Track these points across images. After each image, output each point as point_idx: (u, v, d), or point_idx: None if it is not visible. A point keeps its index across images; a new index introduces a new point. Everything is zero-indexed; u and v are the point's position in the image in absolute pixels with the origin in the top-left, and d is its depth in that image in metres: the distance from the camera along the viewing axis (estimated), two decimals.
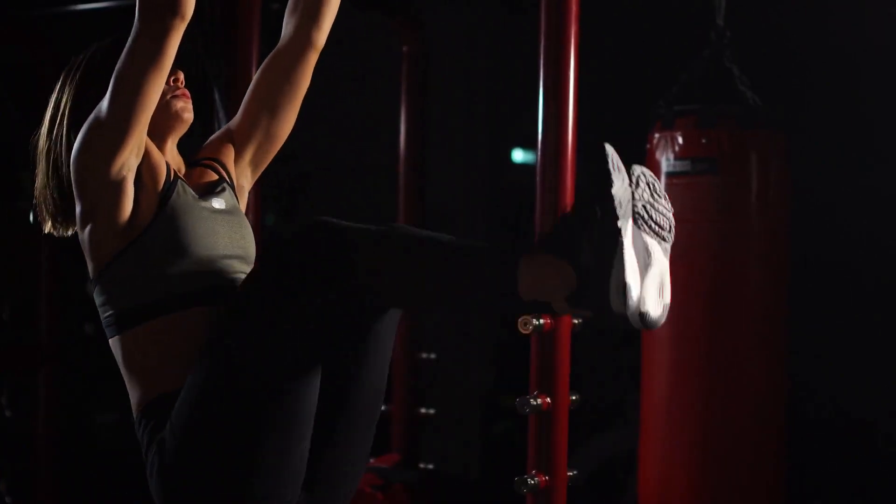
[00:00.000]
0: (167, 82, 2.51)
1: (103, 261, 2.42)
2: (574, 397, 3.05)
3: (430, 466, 4.88)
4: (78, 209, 2.43)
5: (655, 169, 4.29)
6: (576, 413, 3.11)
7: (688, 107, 4.30)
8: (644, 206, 2.46)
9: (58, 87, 2.56)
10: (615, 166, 2.48)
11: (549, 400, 2.99)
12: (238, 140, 2.67)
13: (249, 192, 2.76)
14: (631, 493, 5.29)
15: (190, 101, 2.55)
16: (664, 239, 2.47)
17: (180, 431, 2.30)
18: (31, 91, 5.50)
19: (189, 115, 2.54)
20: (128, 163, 2.37)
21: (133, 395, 2.45)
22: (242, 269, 2.51)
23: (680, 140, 4.23)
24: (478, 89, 6.86)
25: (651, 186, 2.52)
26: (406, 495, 4.63)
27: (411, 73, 5.02)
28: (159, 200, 2.42)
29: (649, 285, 2.38)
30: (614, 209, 2.38)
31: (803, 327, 4.64)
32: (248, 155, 2.68)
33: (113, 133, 2.33)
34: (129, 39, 2.34)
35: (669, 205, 2.52)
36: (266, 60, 2.68)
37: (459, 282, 2.34)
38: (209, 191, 2.55)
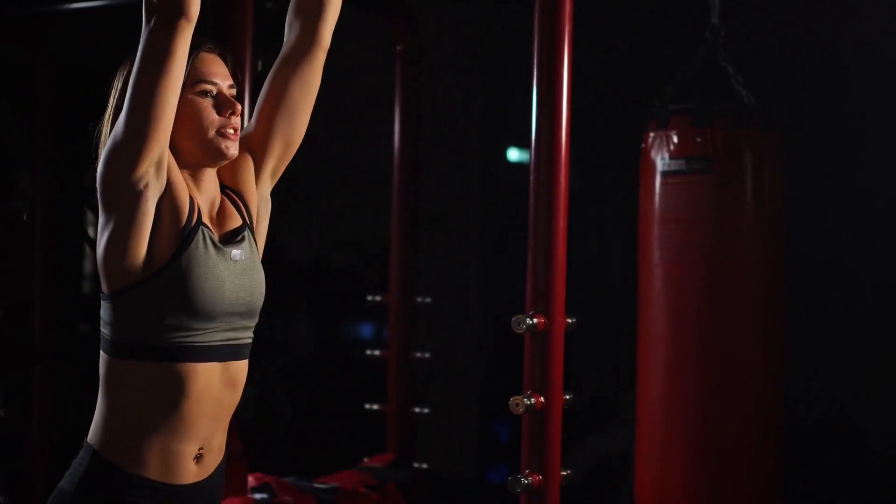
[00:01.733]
0: (222, 114, 2.45)
1: (113, 287, 2.38)
2: (568, 396, 3.05)
3: (425, 466, 4.88)
4: (100, 222, 2.39)
5: (650, 168, 4.29)
6: (571, 412, 3.11)
7: (683, 106, 4.30)
8: None
9: (116, 78, 2.49)
10: None
11: (542, 399, 2.99)
12: (258, 151, 2.61)
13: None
14: (627, 493, 5.29)
15: (238, 139, 2.48)
16: None
17: None
18: (26, 90, 5.50)
19: (234, 153, 2.48)
20: (147, 175, 2.32)
21: (96, 421, 2.46)
22: (243, 324, 2.48)
23: (675, 139, 4.23)
24: (471, 88, 6.86)
25: None
26: (400, 495, 4.63)
27: (405, 72, 5.01)
28: (177, 245, 2.37)
29: None
30: None
31: (799, 326, 4.64)
32: (269, 165, 2.62)
33: (131, 143, 2.29)
34: (139, 45, 2.31)
35: None
36: (274, 67, 2.64)
37: None
38: (230, 239, 2.49)
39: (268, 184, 2.65)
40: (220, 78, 2.48)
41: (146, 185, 2.33)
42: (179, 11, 2.28)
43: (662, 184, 4.25)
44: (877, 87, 5.17)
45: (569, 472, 3.06)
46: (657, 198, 4.26)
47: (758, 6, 5.32)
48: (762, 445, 4.25)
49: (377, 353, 4.97)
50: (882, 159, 5.23)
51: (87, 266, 7.35)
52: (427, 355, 4.95)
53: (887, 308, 5.26)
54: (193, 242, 2.39)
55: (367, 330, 6.89)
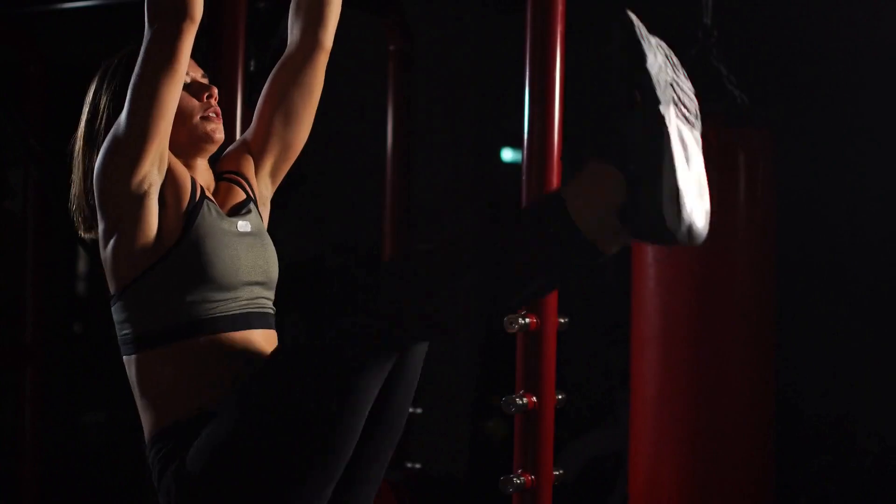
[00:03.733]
0: (200, 99, 2.46)
1: (125, 280, 2.36)
2: (560, 396, 3.05)
3: (417, 466, 4.87)
4: (101, 226, 2.38)
5: None
6: (564, 412, 3.11)
7: None
8: (672, 86, 2.12)
9: (93, 90, 2.48)
10: (643, 36, 2.10)
11: (534, 399, 2.99)
12: (255, 151, 2.61)
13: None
14: (620, 492, 5.29)
15: (221, 122, 2.49)
16: (694, 126, 2.14)
17: (206, 464, 2.25)
18: (17, 89, 5.48)
19: (220, 136, 2.49)
20: (149, 176, 2.31)
21: (145, 419, 2.39)
22: (264, 294, 2.47)
23: None
24: (464, 88, 6.86)
25: (670, 60, 2.18)
26: (392, 494, 4.62)
27: (397, 73, 5.01)
28: (184, 221, 2.36)
29: (691, 189, 2.06)
30: (654, 91, 2.03)
31: (791, 325, 4.64)
32: (267, 165, 2.62)
33: (132, 144, 2.28)
34: (142, 47, 2.30)
35: (690, 83, 2.19)
36: (275, 69, 2.63)
37: (519, 258, 2.13)
38: (236, 211, 2.49)
39: (268, 185, 2.64)
40: (191, 68, 2.48)
41: (150, 184, 2.32)
42: (184, 13, 2.27)
43: None
44: (870, 87, 5.18)
45: (561, 471, 3.06)
46: None
47: (750, 6, 5.32)
48: (755, 444, 4.25)
49: None
50: (874, 158, 5.24)
51: (80, 266, 7.35)
52: None
53: (879, 306, 5.27)
54: (200, 215, 2.38)
55: None
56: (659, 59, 2.10)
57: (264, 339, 2.44)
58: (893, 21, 4.96)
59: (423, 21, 5.56)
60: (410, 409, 4.80)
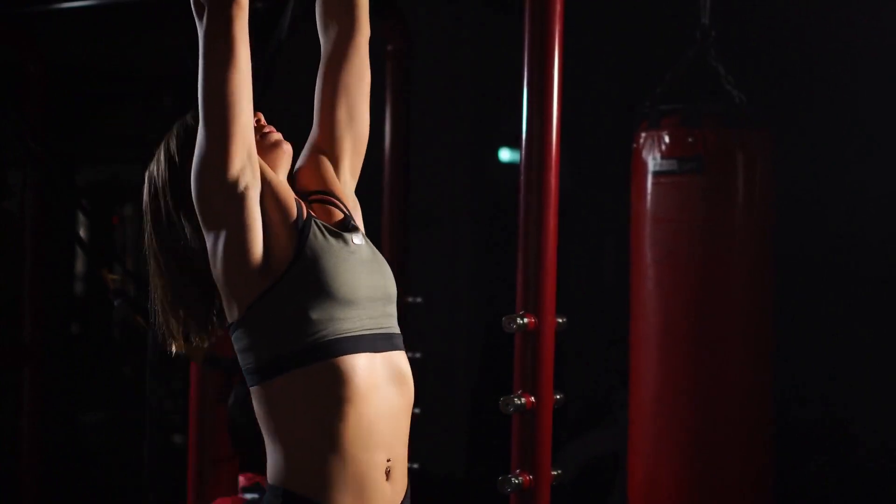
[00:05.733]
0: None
1: (244, 304, 2.27)
2: (558, 396, 3.05)
3: (415, 466, 4.87)
4: (209, 243, 2.29)
5: (641, 168, 4.29)
6: (562, 412, 3.11)
7: (673, 106, 4.30)
8: None
9: (155, 163, 2.42)
10: None
11: (532, 399, 2.99)
12: (331, 156, 2.57)
13: None
14: (618, 492, 5.29)
15: (279, 134, 2.45)
16: None
17: None
18: (16, 89, 5.49)
19: (288, 146, 2.44)
20: (244, 174, 2.25)
21: (273, 460, 2.30)
22: (387, 311, 2.38)
23: (666, 139, 4.23)
24: (462, 88, 6.86)
25: None
26: None
27: (395, 72, 5.01)
28: (296, 240, 2.29)
29: None
30: None
31: (789, 325, 4.64)
32: (346, 166, 2.58)
33: (215, 141, 2.23)
34: (199, 47, 2.25)
35: None
36: (321, 70, 2.59)
37: None
38: (342, 229, 2.42)
39: (349, 183, 2.59)
40: None
41: (246, 187, 2.27)
42: (228, 1, 2.23)
43: (654, 184, 4.25)
44: (869, 87, 5.18)
45: (559, 471, 3.06)
46: (648, 198, 4.27)
47: (748, 6, 5.32)
48: (753, 444, 4.25)
49: None
50: (873, 158, 5.24)
51: (79, 266, 7.35)
52: (418, 355, 4.94)
53: (877, 307, 5.27)
54: (311, 232, 2.33)
55: None
56: None
57: (388, 364, 2.36)
58: (893, 21, 4.96)
59: (422, 21, 5.56)
60: None
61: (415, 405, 5.00)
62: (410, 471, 4.84)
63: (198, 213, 2.28)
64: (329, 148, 2.57)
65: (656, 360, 4.25)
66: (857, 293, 5.34)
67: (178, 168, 2.37)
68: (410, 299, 4.98)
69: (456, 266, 6.89)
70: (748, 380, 4.25)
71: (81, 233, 6.93)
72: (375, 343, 2.32)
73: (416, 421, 4.93)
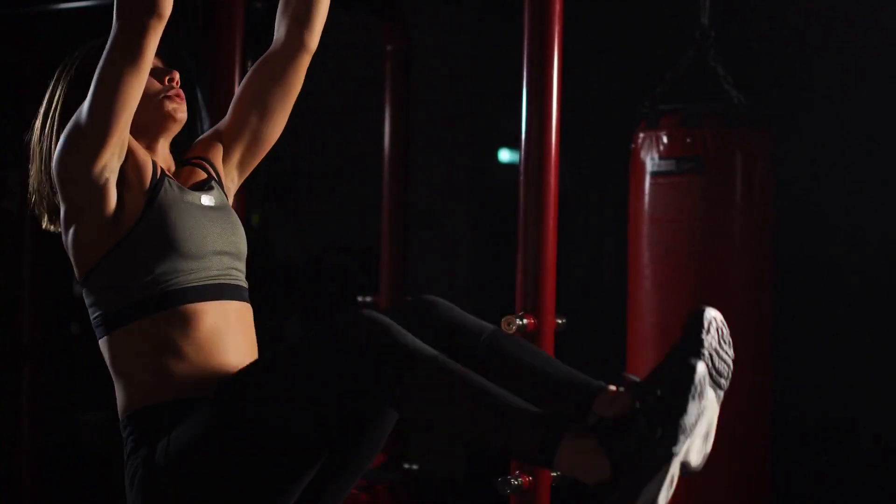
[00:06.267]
0: (161, 81, 2.48)
1: (90, 262, 2.38)
2: None
3: (415, 467, 4.87)
4: (62, 212, 2.40)
5: (640, 169, 4.28)
6: None
7: (672, 106, 4.30)
8: (711, 355, 2.39)
9: (52, 83, 2.52)
10: (697, 386, 2.28)
11: None
12: (227, 141, 2.63)
13: (235, 193, 2.73)
14: (618, 493, 5.28)
15: (184, 102, 2.51)
16: (721, 387, 2.42)
17: (174, 460, 2.27)
18: (15, 89, 5.48)
19: (182, 116, 2.50)
20: (110, 164, 2.33)
21: (119, 398, 2.41)
22: (233, 265, 2.46)
23: (665, 139, 4.23)
24: (462, 89, 6.86)
25: (720, 332, 2.45)
26: (390, 496, 4.62)
27: (395, 73, 5.01)
28: (146, 198, 2.38)
29: (698, 433, 2.30)
30: (676, 434, 2.21)
31: (789, 325, 4.64)
32: (235, 156, 2.64)
33: (93, 135, 2.30)
34: (108, 40, 2.31)
35: (732, 350, 2.47)
36: (257, 63, 2.64)
37: (497, 438, 2.20)
38: (198, 188, 2.51)
39: (234, 177, 2.66)
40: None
41: (110, 172, 2.34)
42: (151, 10, 2.27)
43: (652, 184, 4.25)
44: (869, 87, 5.18)
45: (558, 473, 3.05)
46: (647, 198, 4.26)
47: (748, 6, 5.32)
48: (752, 444, 4.25)
49: None
50: (873, 158, 5.23)
51: None
52: None
53: (877, 306, 5.26)
54: (162, 190, 2.40)
55: None
56: (699, 407, 2.27)
57: (237, 312, 2.43)
58: (893, 21, 4.96)
59: (421, 21, 5.55)
60: None
61: None
62: (409, 471, 4.86)
63: (56, 183, 2.37)
64: (229, 136, 2.63)
65: (654, 360, 4.24)
66: (857, 293, 5.33)
67: (72, 95, 2.45)
68: (410, 300, 4.97)
69: (455, 266, 6.89)
70: (748, 380, 4.24)
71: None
72: (221, 291, 2.41)
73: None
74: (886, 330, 5.20)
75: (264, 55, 2.65)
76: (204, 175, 2.56)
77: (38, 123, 2.50)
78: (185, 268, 2.37)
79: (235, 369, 2.35)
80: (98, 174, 2.33)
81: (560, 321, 3.07)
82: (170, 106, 2.49)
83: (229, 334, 2.39)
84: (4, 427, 5.75)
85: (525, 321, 2.99)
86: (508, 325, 2.98)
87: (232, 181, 2.66)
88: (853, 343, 5.28)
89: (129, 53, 2.28)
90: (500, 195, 6.51)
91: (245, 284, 2.49)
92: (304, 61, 2.64)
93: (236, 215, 2.55)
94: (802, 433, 5.24)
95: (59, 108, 2.47)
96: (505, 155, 6.92)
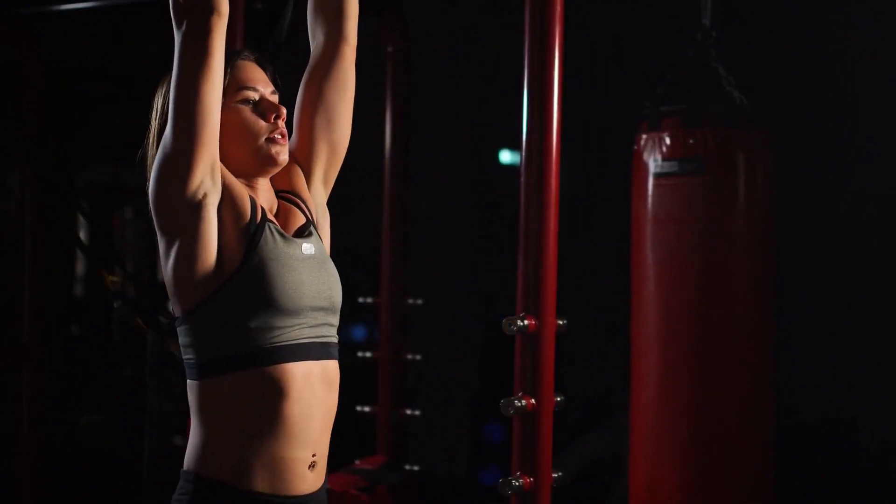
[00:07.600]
0: (267, 120, 2.42)
1: (189, 304, 2.31)
2: (559, 398, 3.05)
3: (416, 468, 4.87)
4: (160, 244, 2.32)
5: (643, 170, 4.28)
6: (562, 414, 3.11)
7: (674, 107, 4.29)
8: None
9: (157, 97, 2.45)
10: None
11: (533, 401, 2.98)
12: (304, 162, 2.58)
13: None
14: (618, 494, 5.29)
15: (287, 143, 2.45)
16: None
17: None
18: (15, 90, 5.49)
19: (284, 159, 2.44)
20: (203, 185, 2.27)
21: (194, 447, 2.35)
22: (327, 320, 2.41)
23: (667, 141, 4.23)
24: (462, 90, 6.86)
25: None
26: (391, 497, 4.62)
27: (395, 73, 5.01)
28: (246, 243, 2.32)
29: None
30: None
31: (790, 325, 4.64)
32: (318, 173, 2.59)
33: (181, 150, 2.24)
34: (175, 53, 2.26)
35: None
36: (305, 76, 2.59)
37: None
38: (297, 235, 2.45)
39: (321, 192, 2.60)
40: (262, 84, 2.46)
41: (204, 195, 2.28)
42: (210, 8, 2.24)
43: (655, 185, 4.24)
44: (869, 87, 5.18)
45: (560, 473, 3.05)
46: (649, 199, 4.26)
47: (748, 7, 5.32)
48: (754, 445, 4.25)
49: (368, 354, 4.95)
50: (873, 159, 5.24)
51: (78, 267, 7.34)
52: (418, 357, 4.94)
53: (878, 307, 5.27)
54: (262, 238, 2.34)
55: (358, 332, 6.87)
56: None
57: (322, 374, 2.39)
58: (892, 22, 4.96)
59: (421, 22, 5.55)
60: (409, 412, 4.84)
61: (415, 407, 5.04)
62: (411, 472, 4.87)
63: (153, 215, 2.31)
64: (305, 154, 2.58)
65: (657, 362, 4.25)
66: (857, 293, 5.33)
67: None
68: (411, 301, 4.98)
69: (456, 267, 6.89)
70: (749, 380, 4.24)
71: (81, 234, 6.94)
72: (313, 351, 2.37)
73: (416, 423, 4.96)
74: (886, 330, 5.20)
75: (309, 66, 2.60)
76: (303, 219, 2.49)
77: (151, 140, 2.43)
78: (282, 325, 2.32)
79: (314, 455, 2.39)
80: (192, 195, 2.26)
81: (561, 322, 3.07)
82: (273, 149, 2.42)
83: (314, 405, 2.36)
84: (4, 427, 5.75)
85: (526, 322, 2.98)
86: (509, 326, 2.98)
87: (321, 196, 2.58)
88: (853, 343, 5.29)
89: (198, 58, 2.24)
90: (500, 196, 6.51)
91: (335, 340, 2.45)
92: (349, 55, 2.61)
93: (332, 264, 2.50)
94: (803, 433, 5.24)
95: (157, 126, 2.42)
96: (506, 156, 6.92)
